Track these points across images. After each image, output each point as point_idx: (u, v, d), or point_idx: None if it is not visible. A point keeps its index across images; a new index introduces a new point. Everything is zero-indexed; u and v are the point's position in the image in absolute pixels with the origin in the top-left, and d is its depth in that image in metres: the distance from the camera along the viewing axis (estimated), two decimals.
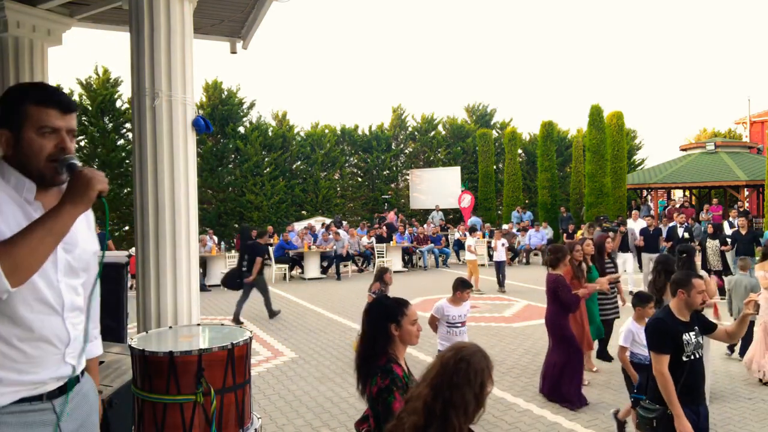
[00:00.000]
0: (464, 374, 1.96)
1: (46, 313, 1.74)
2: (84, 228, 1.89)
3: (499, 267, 12.53)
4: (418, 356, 7.24)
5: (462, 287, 5.22)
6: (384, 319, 2.64)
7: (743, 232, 11.03)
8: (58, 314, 1.76)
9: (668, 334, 3.29)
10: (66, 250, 1.78)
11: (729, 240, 11.40)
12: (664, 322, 3.35)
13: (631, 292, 10.74)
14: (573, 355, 5.35)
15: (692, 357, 3.29)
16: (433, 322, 5.35)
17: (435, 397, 1.95)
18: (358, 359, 2.65)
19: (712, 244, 11.25)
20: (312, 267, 15.04)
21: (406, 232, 17.76)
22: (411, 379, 2.56)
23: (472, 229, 14.16)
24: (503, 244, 12.78)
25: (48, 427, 1.77)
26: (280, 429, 4.88)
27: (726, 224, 14.89)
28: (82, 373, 1.92)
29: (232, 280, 9.90)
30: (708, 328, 3.51)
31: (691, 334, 3.33)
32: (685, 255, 6.00)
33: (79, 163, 1.71)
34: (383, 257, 16.05)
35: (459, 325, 5.17)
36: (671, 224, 13.02)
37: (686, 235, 12.10)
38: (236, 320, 9.39)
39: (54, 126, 1.71)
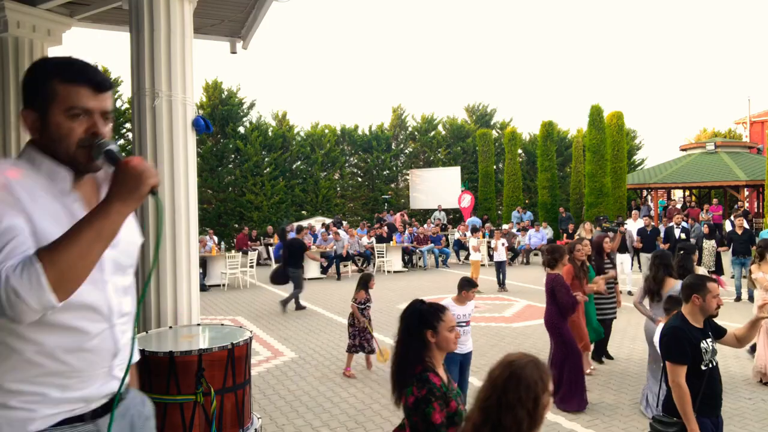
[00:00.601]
0: (514, 392, 1.80)
1: (94, 320, 1.51)
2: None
3: (500, 267, 12.56)
4: None
5: (468, 286, 5.18)
6: (420, 325, 2.52)
7: (739, 231, 11.11)
8: (106, 320, 1.54)
9: (686, 342, 3.10)
10: (111, 244, 1.46)
11: (725, 241, 11.50)
12: (681, 330, 3.15)
13: (630, 293, 10.76)
14: (571, 357, 5.31)
15: (710, 365, 3.14)
16: None
17: (484, 421, 1.81)
18: (393, 367, 2.53)
19: (708, 245, 11.38)
20: (313, 267, 15.04)
21: (406, 232, 17.76)
22: (450, 388, 2.46)
23: (474, 230, 14.15)
24: (503, 244, 12.76)
25: None
26: (280, 429, 4.88)
27: (727, 223, 14.89)
28: (127, 387, 1.69)
29: (279, 277, 10.53)
30: (718, 333, 3.36)
31: (708, 341, 3.16)
32: (683, 252, 6.01)
33: (116, 148, 1.50)
34: (383, 257, 16.06)
35: (463, 324, 5.10)
36: (669, 224, 13.13)
37: (683, 235, 12.19)
38: (299, 307, 10.54)
39: (85, 107, 1.47)
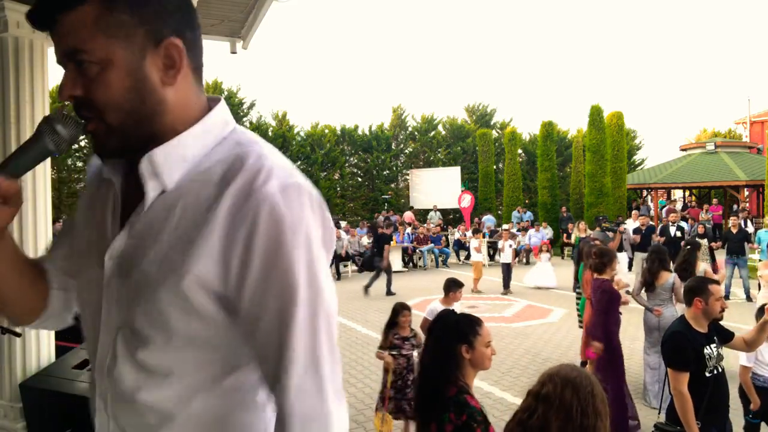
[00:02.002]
0: (579, 411, 1.59)
1: (96, 398, 1.02)
2: (159, 239, 0.90)
3: (507, 269, 12.22)
4: None
5: (454, 287, 5.03)
6: (454, 339, 2.16)
7: (734, 231, 11.27)
8: (104, 408, 1.00)
9: (688, 348, 3.00)
10: (119, 272, 0.92)
11: (717, 239, 11.70)
12: (683, 335, 3.05)
13: (628, 292, 10.75)
14: (612, 373, 4.62)
15: (715, 372, 3.02)
16: (426, 326, 4.90)
17: None
18: (419, 390, 2.14)
19: (702, 243, 11.52)
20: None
21: (406, 231, 17.74)
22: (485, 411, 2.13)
23: (476, 230, 14.14)
24: (510, 245, 12.39)
25: None
26: None
27: (729, 223, 14.98)
28: None
29: (367, 264, 13.23)
30: (725, 338, 3.26)
31: (712, 346, 3.06)
32: (689, 247, 6.14)
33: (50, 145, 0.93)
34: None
35: None
36: (665, 223, 13.33)
37: (678, 234, 12.34)
38: (366, 290, 11.91)
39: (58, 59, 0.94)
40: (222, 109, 0.99)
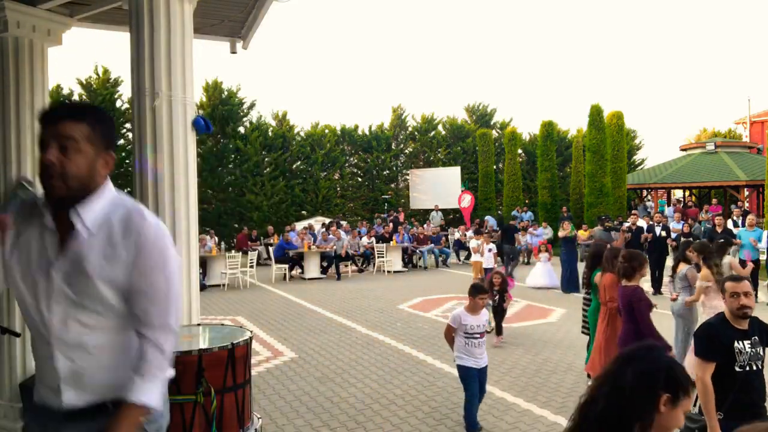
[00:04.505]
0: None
1: (38, 336, 1.75)
2: (97, 256, 1.68)
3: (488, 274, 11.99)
4: (434, 363, 7.26)
5: (475, 293, 4.73)
6: (659, 382, 1.60)
7: (719, 230, 11.55)
8: (48, 343, 1.72)
9: (717, 340, 3.05)
10: (64, 279, 1.67)
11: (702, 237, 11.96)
12: (714, 327, 3.14)
13: None
14: None
15: (747, 368, 3.03)
16: (450, 333, 4.79)
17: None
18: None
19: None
20: (312, 267, 15.04)
21: (406, 232, 17.75)
22: None
23: (477, 231, 14.14)
24: (490, 250, 11.83)
25: None
26: (280, 429, 4.88)
27: (730, 222, 15.06)
28: (95, 413, 1.73)
29: (501, 251, 14.49)
30: None
31: (746, 342, 3.06)
32: (723, 241, 6.75)
33: (18, 195, 1.68)
34: (383, 257, 16.06)
35: (478, 335, 4.67)
36: (650, 223, 13.70)
37: (663, 233, 12.73)
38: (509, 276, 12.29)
39: (41, 139, 1.69)
40: (110, 183, 1.80)
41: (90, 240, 1.68)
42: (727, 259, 7.09)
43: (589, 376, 6.02)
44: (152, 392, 1.70)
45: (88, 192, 1.69)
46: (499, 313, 7.75)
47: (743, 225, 12.02)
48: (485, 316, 4.85)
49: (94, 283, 1.67)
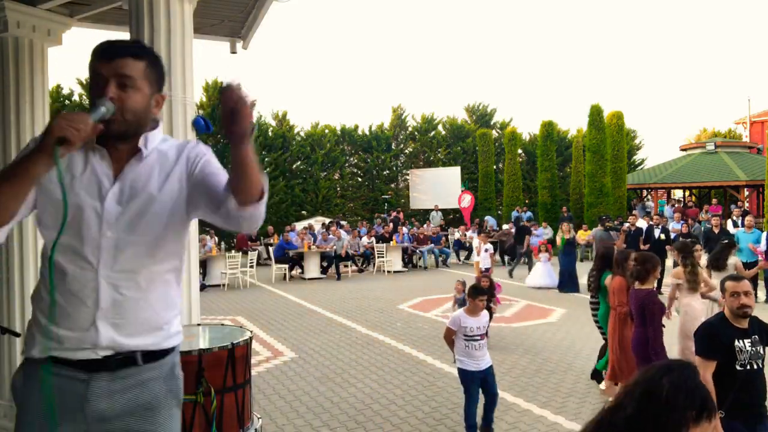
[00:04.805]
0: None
1: (77, 263, 1.63)
2: (152, 177, 1.70)
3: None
4: (434, 363, 7.25)
5: (474, 294, 4.66)
6: (687, 402, 1.49)
7: (716, 231, 11.53)
8: (93, 268, 1.63)
9: (716, 339, 3.08)
10: (119, 201, 1.65)
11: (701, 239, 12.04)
12: (714, 326, 3.17)
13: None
14: None
15: (748, 367, 3.06)
16: (450, 336, 4.69)
17: None
18: None
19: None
20: (312, 267, 15.04)
21: (406, 232, 17.74)
22: None
23: (480, 230, 14.16)
24: (486, 250, 11.45)
25: (77, 402, 1.63)
26: (280, 429, 4.88)
27: (730, 222, 15.07)
28: (148, 357, 1.70)
29: (512, 251, 15.77)
30: None
31: (746, 341, 3.09)
32: (727, 242, 6.97)
33: (103, 109, 1.56)
34: (383, 257, 16.06)
35: (478, 337, 4.57)
36: (647, 225, 13.72)
37: (662, 236, 12.69)
38: (510, 274, 13.49)
39: (97, 73, 1.64)
40: (160, 126, 1.84)
41: (151, 163, 1.71)
42: (732, 260, 7.13)
43: (594, 377, 5.89)
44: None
45: (142, 130, 1.70)
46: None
47: (743, 225, 12.03)
48: (486, 317, 4.72)
49: (153, 203, 1.68)
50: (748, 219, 11.25)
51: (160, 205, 1.69)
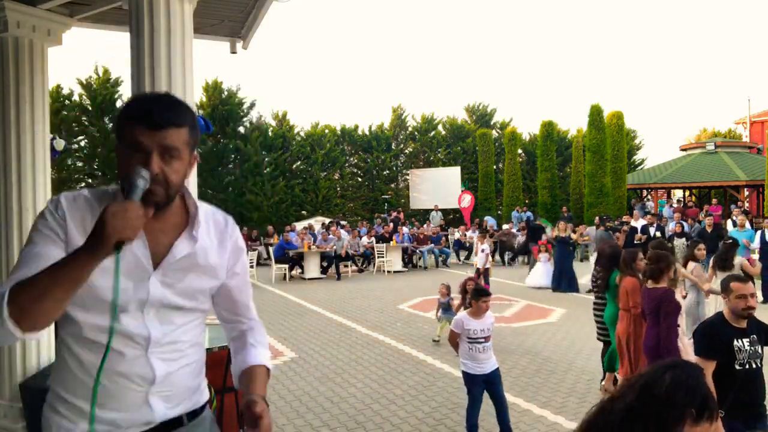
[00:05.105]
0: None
1: (125, 344, 1.55)
2: (205, 261, 1.67)
3: (485, 274, 11.45)
4: (434, 363, 7.25)
5: (476, 296, 4.59)
6: (688, 400, 1.44)
7: (709, 230, 11.86)
8: (141, 347, 1.57)
9: (716, 339, 3.10)
10: (166, 284, 1.59)
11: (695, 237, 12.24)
12: (714, 326, 3.19)
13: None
14: None
15: (747, 366, 3.08)
16: (454, 339, 4.62)
17: None
18: None
19: (679, 243, 12.15)
20: (312, 267, 15.04)
21: (406, 232, 17.74)
22: None
23: (482, 231, 14.15)
24: (483, 250, 11.38)
25: None
26: (280, 429, 4.88)
27: (730, 222, 15.16)
28: (191, 416, 1.70)
29: (523, 250, 16.27)
30: None
31: (745, 341, 3.11)
32: (731, 241, 7.03)
33: (142, 183, 1.44)
34: (383, 257, 16.05)
35: (482, 340, 4.48)
36: (643, 224, 14.10)
37: (658, 234, 12.99)
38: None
39: (137, 141, 1.48)
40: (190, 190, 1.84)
41: (199, 238, 1.66)
42: (738, 260, 7.14)
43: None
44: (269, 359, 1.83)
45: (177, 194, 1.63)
46: None
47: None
48: (490, 319, 4.60)
49: (198, 283, 1.65)
50: (741, 218, 11.53)
51: (199, 282, 1.67)
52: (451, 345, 4.73)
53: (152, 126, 1.48)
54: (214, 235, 1.70)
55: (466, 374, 4.52)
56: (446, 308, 7.80)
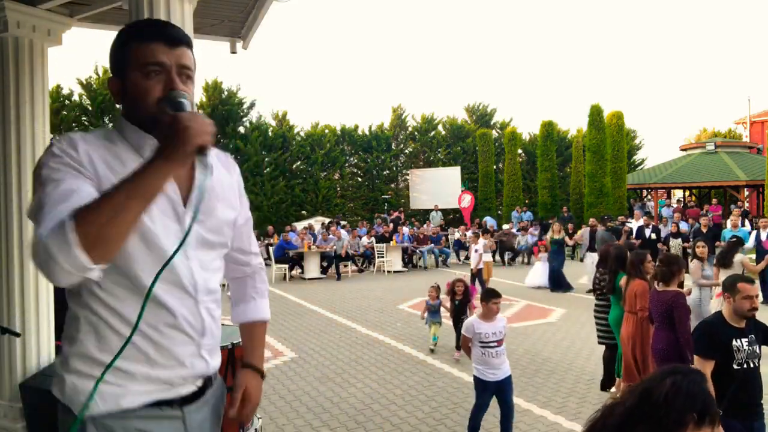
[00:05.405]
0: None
1: (177, 295, 1.45)
2: (223, 191, 1.58)
3: (479, 275, 11.16)
4: (434, 363, 7.25)
5: (487, 297, 4.44)
6: (695, 404, 1.44)
7: (704, 230, 11.96)
8: (191, 296, 1.47)
9: (715, 338, 3.11)
10: (198, 220, 1.41)
11: (691, 238, 12.36)
12: (713, 326, 3.20)
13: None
14: None
15: (745, 366, 3.09)
16: (466, 344, 4.47)
17: None
18: None
19: (675, 243, 12.07)
20: (312, 267, 15.03)
21: (406, 232, 17.74)
22: None
23: (484, 231, 14.11)
24: (477, 250, 11.16)
25: None
26: (280, 429, 4.88)
27: (729, 222, 15.19)
28: (216, 375, 1.63)
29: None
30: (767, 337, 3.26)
31: (743, 340, 3.13)
32: (735, 240, 7.12)
33: (188, 103, 1.38)
34: (383, 257, 16.05)
35: (494, 344, 4.31)
36: (638, 225, 14.14)
37: (653, 235, 13.14)
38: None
39: (158, 61, 1.40)
40: None
41: (214, 169, 1.52)
42: (738, 258, 7.16)
43: (604, 388, 5.66)
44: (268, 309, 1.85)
45: None
46: (459, 324, 6.76)
47: (742, 225, 12.17)
48: (502, 322, 4.44)
49: (224, 214, 1.57)
50: (733, 218, 11.60)
51: (224, 213, 1.59)
52: (464, 350, 4.59)
53: (171, 42, 1.42)
54: (221, 164, 1.63)
55: (478, 380, 4.37)
56: (434, 311, 7.41)
